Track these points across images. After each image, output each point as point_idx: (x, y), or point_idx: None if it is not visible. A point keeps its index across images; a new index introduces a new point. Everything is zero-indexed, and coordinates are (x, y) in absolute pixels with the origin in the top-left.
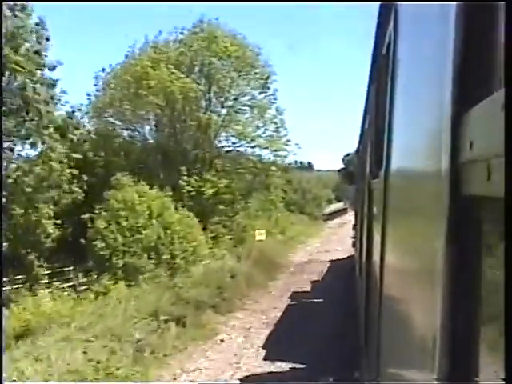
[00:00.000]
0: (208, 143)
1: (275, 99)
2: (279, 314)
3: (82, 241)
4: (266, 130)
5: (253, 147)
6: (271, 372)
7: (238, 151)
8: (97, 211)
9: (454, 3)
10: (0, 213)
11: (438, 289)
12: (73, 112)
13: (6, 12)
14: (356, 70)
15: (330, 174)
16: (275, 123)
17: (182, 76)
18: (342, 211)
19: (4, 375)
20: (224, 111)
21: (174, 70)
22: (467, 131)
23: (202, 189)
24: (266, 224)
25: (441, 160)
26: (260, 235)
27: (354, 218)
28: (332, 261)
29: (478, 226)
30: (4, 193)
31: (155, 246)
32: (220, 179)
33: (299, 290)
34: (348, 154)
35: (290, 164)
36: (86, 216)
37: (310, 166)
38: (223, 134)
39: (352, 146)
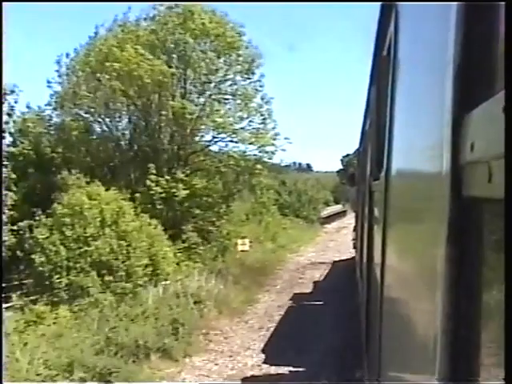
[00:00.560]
0: (183, 137)
1: (261, 86)
2: (254, 360)
3: (20, 253)
4: (250, 121)
5: (235, 142)
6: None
7: (220, 148)
8: (37, 217)
9: (455, 3)
10: (0, 213)
11: (438, 290)
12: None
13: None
14: (356, 71)
15: (329, 175)
16: (261, 114)
17: (151, 57)
18: (341, 214)
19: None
20: (202, 100)
21: (142, 51)
22: (468, 133)
23: (174, 190)
24: (255, 230)
25: (442, 162)
26: (243, 245)
27: (355, 219)
28: (327, 276)
29: (479, 228)
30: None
31: (107, 261)
32: (195, 179)
33: (284, 318)
34: (347, 155)
35: (287, 164)
36: (24, 224)
37: (308, 167)
38: (201, 126)
39: (351, 146)
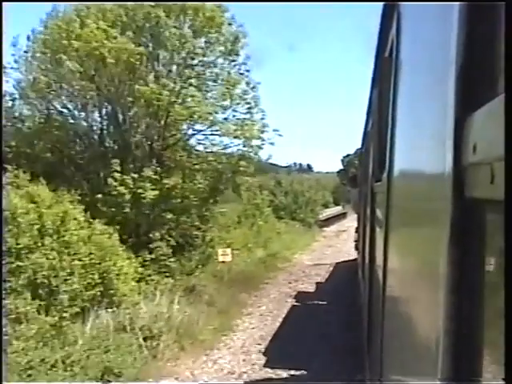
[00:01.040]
0: (156, 129)
1: (247, 71)
2: None
3: None
4: (234, 111)
5: (217, 135)
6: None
7: (198, 141)
8: None
9: (457, 3)
10: (0, 213)
11: (441, 291)
12: None
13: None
14: (356, 71)
15: (330, 176)
16: (247, 102)
17: (117, 35)
18: (340, 216)
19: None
20: (177, 86)
21: (105, 27)
22: (470, 134)
23: (140, 191)
24: (245, 235)
25: (444, 163)
26: (224, 255)
27: (357, 220)
28: (323, 291)
29: (481, 229)
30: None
31: (46, 278)
32: (171, 178)
33: (266, 354)
34: (347, 155)
35: (288, 165)
36: None
37: (309, 167)
38: (177, 116)
39: (352, 146)
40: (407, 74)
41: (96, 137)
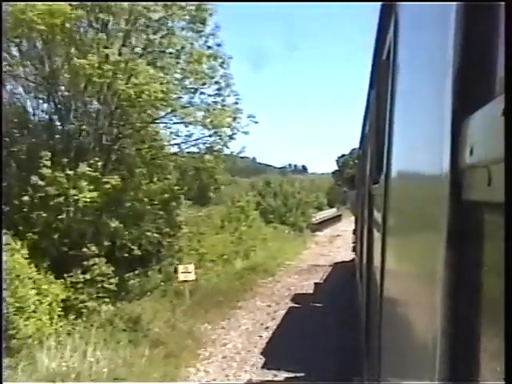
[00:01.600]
0: (105, 115)
1: (219, 45)
2: None
3: None
4: (201, 93)
5: (181, 122)
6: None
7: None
8: None
9: (454, 4)
10: (0, 212)
11: (438, 294)
12: None
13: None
14: (352, 72)
15: (325, 177)
16: (216, 82)
17: None
18: (335, 219)
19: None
20: (123, 58)
21: None
22: (468, 137)
23: (73, 192)
24: (224, 244)
25: (441, 165)
26: (186, 273)
27: (355, 222)
28: (310, 321)
29: (478, 232)
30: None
31: None
32: (114, 175)
33: None
34: (342, 155)
35: (283, 166)
36: None
37: (304, 168)
38: (130, 100)
39: (346, 147)
40: (405, 75)
41: (36, 124)
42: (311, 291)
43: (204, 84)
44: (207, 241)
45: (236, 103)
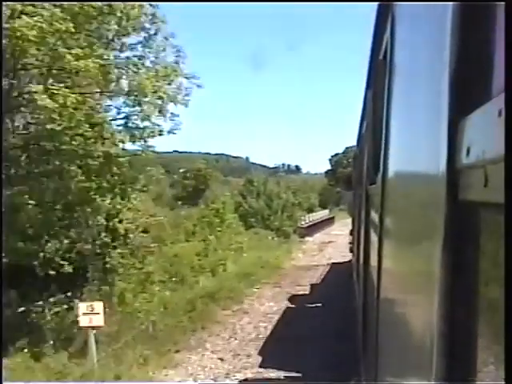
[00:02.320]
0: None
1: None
2: None
3: None
4: (127, 68)
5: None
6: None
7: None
8: None
9: (450, 4)
10: (0, 213)
11: (435, 295)
12: None
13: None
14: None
15: (319, 177)
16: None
17: None
18: (328, 221)
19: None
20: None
21: None
22: (464, 137)
23: None
24: (188, 255)
25: (438, 166)
26: (90, 315)
27: (352, 223)
28: None
29: (474, 232)
30: None
31: None
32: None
33: None
34: (336, 154)
35: (276, 166)
36: None
37: (297, 168)
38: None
39: (340, 145)
40: (401, 76)
41: None
42: (288, 323)
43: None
44: (168, 252)
45: (177, 63)
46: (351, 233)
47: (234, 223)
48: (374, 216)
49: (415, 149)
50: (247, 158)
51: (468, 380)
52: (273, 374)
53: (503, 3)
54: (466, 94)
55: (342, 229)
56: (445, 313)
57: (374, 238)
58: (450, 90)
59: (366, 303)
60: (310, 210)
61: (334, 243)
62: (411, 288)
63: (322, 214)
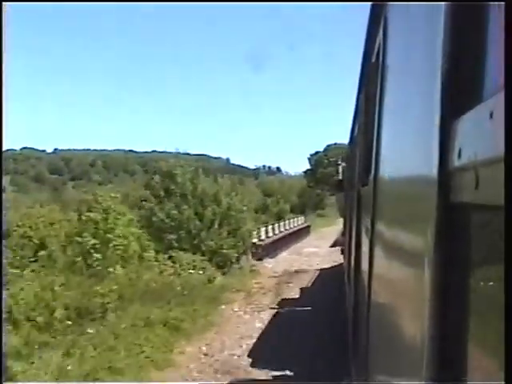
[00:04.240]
0: None
1: None
2: None
3: None
4: None
5: None
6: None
7: None
8: None
9: (443, 4)
10: (0, 214)
11: (426, 294)
12: None
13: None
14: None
15: (297, 177)
16: None
17: None
18: (301, 232)
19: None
20: None
21: None
22: (456, 139)
23: None
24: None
25: (430, 168)
26: None
27: (343, 225)
28: None
29: (465, 234)
30: None
31: None
32: None
33: None
34: (316, 153)
35: (257, 167)
36: None
37: (278, 170)
38: None
39: (320, 143)
40: (394, 78)
41: None
42: None
43: None
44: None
45: None
46: (343, 234)
47: (133, 247)
48: (366, 217)
49: (407, 150)
50: (228, 159)
51: (459, 380)
52: None
53: (503, 3)
54: (457, 96)
55: (320, 242)
56: (436, 314)
57: (365, 239)
58: (441, 91)
59: (356, 304)
60: (279, 217)
61: (307, 271)
62: (402, 289)
63: (293, 222)
